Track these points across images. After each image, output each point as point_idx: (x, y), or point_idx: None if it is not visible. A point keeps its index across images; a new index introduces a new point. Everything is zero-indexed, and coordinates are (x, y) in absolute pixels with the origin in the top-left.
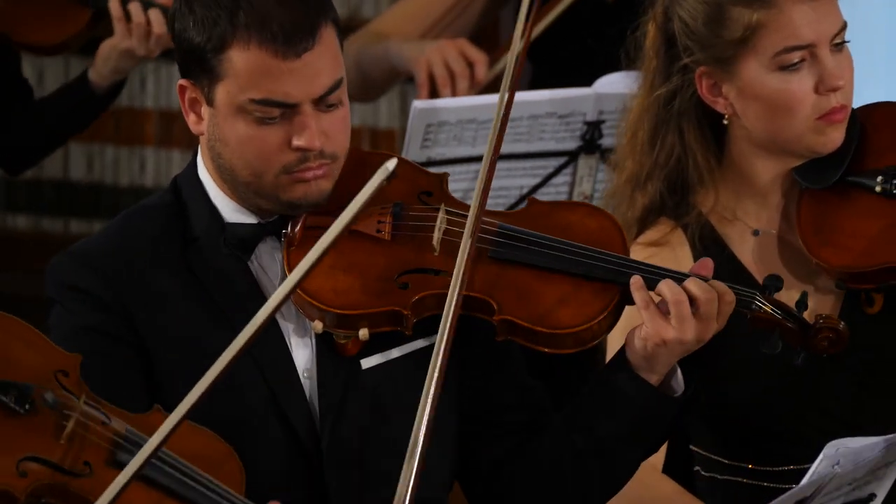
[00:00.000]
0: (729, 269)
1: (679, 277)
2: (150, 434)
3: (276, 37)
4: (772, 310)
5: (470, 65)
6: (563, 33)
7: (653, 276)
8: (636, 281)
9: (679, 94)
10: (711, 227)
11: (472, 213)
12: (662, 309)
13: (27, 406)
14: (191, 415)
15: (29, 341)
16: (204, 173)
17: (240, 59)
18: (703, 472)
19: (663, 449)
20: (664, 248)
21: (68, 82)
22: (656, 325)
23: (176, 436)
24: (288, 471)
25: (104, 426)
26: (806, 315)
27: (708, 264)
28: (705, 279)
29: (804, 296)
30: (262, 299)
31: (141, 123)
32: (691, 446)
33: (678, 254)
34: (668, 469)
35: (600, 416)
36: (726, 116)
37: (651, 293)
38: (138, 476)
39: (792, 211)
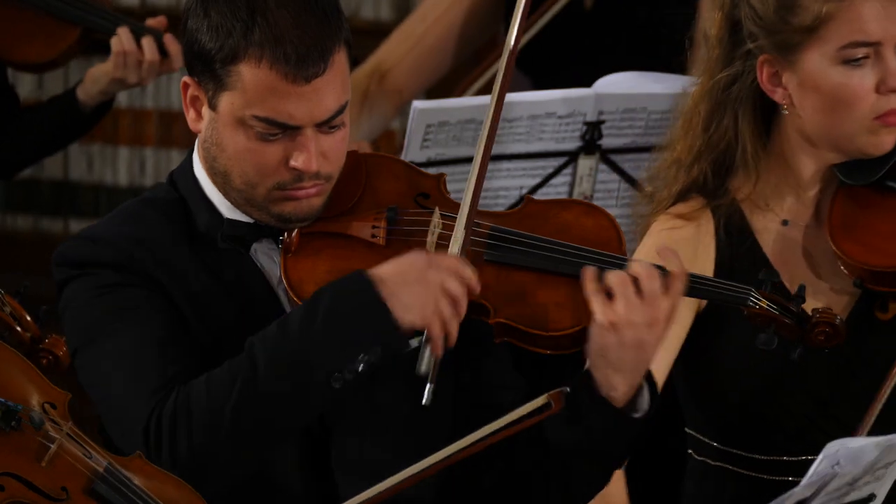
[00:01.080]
0: (750, 257)
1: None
2: (130, 473)
3: (288, 59)
4: (767, 305)
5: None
6: (543, 38)
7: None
8: (586, 272)
9: (739, 80)
10: (741, 214)
11: (460, 219)
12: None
13: (13, 423)
14: None
15: (23, 370)
16: (200, 171)
17: (249, 74)
18: (695, 456)
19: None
20: (689, 223)
21: (57, 96)
22: (602, 309)
23: (156, 482)
24: (294, 468)
25: (85, 458)
26: (804, 307)
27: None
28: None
29: (801, 289)
30: (268, 287)
31: (141, 123)
32: (686, 428)
33: (701, 232)
34: (661, 449)
35: (560, 431)
36: (784, 107)
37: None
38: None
39: (825, 206)
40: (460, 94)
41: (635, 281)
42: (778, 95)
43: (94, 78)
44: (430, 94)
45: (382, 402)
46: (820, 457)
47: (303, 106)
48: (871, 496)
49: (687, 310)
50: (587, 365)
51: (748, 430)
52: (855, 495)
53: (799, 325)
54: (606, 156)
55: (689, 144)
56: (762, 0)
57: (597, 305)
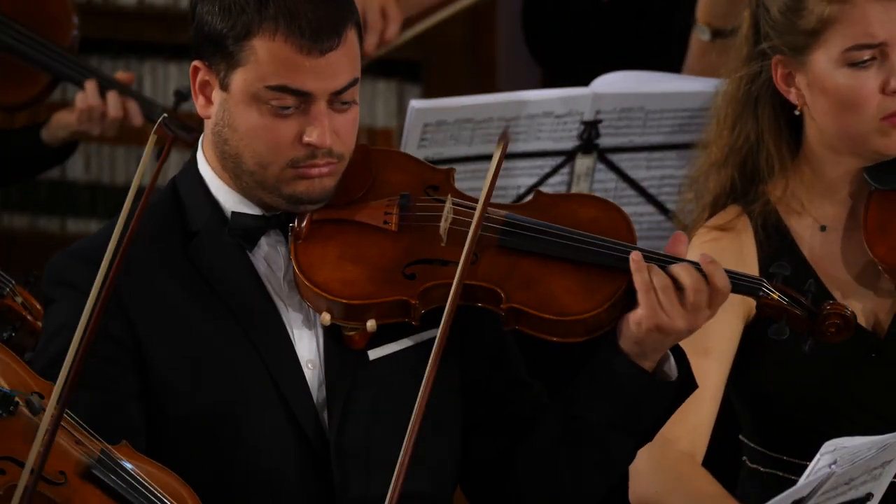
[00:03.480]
0: (789, 259)
1: (666, 260)
2: (121, 457)
3: (303, 32)
4: (779, 297)
5: (385, 19)
6: (560, 33)
7: (660, 261)
8: (638, 260)
9: (756, 79)
10: (777, 216)
11: (479, 206)
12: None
13: (11, 408)
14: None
15: (8, 361)
16: (205, 167)
17: (263, 48)
18: (749, 464)
19: (704, 438)
20: (728, 233)
21: (25, 129)
22: (653, 309)
23: (145, 466)
24: (294, 461)
25: (81, 442)
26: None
27: (680, 238)
28: (697, 266)
29: (810, 284)
30: (264, 291)
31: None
32: (740, 436)
33: (742, 239)
34: (716, 458)
35: (593, 403)
36: (798, 107)
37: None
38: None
39: (860, 210)
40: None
41: (679, 289)
42: (792, 96)
43: (58, 124)
44: (429, 93)
45: (388, 394)
46: (817, 456)
47: (316, 78)
48: (869, 495)
49: (737, 320)
50: (619, 342)
51: (796, 437)
52: (852, 494)
53: (810, 318)
54: (604, 155)
55: (722, 145)
56: (773, 1)
57: (646, 304)
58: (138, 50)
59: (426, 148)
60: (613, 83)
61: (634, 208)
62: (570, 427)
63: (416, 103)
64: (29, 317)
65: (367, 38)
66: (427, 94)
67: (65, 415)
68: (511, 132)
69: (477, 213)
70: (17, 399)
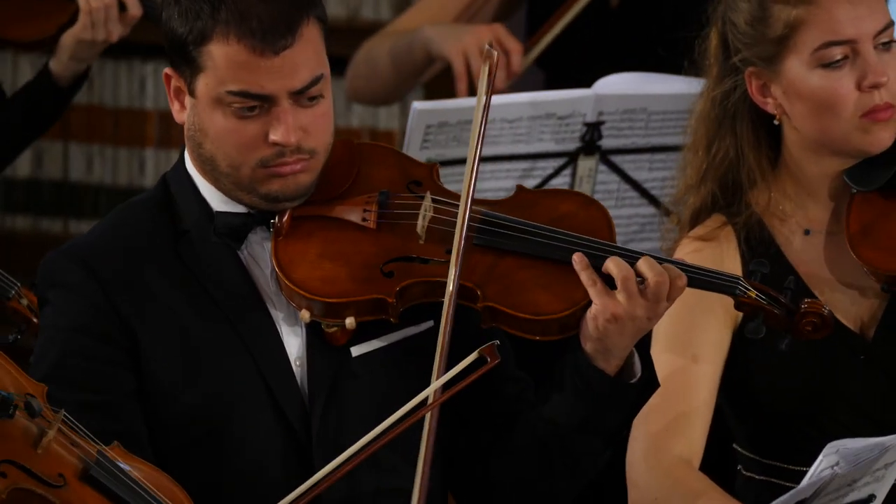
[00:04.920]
0: (775, 266)
1: (660, 259)
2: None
3: (254, 33)
4: (756, 295)
5: (506, 53)
6: (567, 36)
7: (627, 256)
8: (580, 260)
9: (731, 95)
10: (762, 225)
11: (462, 202)
12: (613, 285)
13: (10, 411)
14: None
15: (1, 364)
16: (191, 166)
17: (219, 52)
18: (744, 472)
19: (700, 444)
20: (710, 243)
21: (31, 79)
22: (604, 301)
23: (138, 467)
24: (280, 457)
25: (79, 444)
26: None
27: None
28: (661, 260)
29: (789, 281)
30: (253, 289)
31: (140, 124)
32: (734, 445)
33: (724, 249)
34: (710, 467)
35: (558, 406)
36: (777, 117)
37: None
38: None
39: (843, 213)
40: None
41: (640, 278)
42: (769, 107)
43: (63, 44)
44: (431, 94)
45: (370, 390)
46: (819, 457)
47: (274, 78)
48: (871, 497)
49: (724, 328)
50: (581, 342)
51: (788, 442)
52: (855, 496)
53: (787, 316)
54: (606, 156)
55: (697, 167)
56: (738, 14)
57: (597, 297)
58: (140, 52)
59: (428, 149)
60: (616, 84)
61: (636, 209)
62: (538, 428)
63: (418, 104)
64: (34, 319)
65: (459, 85)
66: (429, 96)
67: (62, 417)
68: (513, 133)
69: (461, 213)
70: (15, 402)
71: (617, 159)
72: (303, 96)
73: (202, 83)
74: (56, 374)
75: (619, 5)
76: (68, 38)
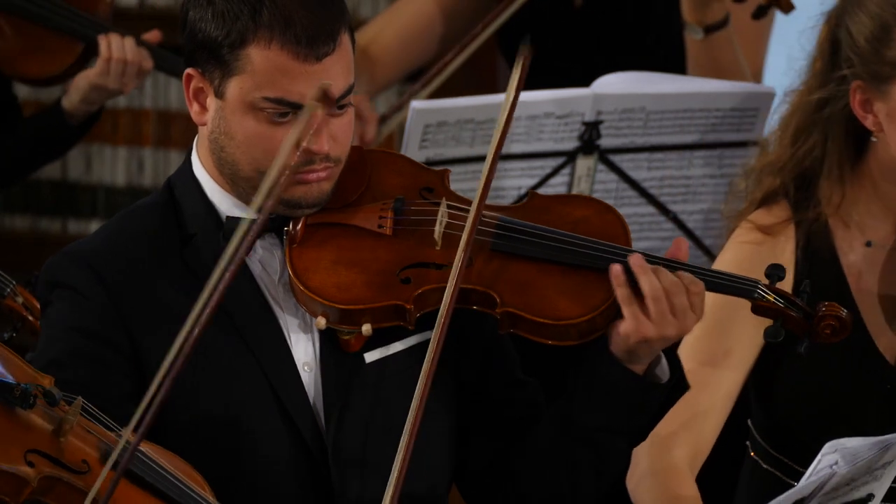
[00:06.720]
0: (827, 274)
1: (674, 266)
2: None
3: (299, 39)
4: (774, 299)
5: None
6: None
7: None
8: (618, 275)
9: (831, 103)
10: (826, 229)
11: (473, 208)
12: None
13: (31, 401)
14: (189, 407)
15: (8, 357)
16: (200, 170)
17: (259, 57)
18: (751, 453)
19: (708, 445)
20: (770, 238)
21: (43, 110)
22: (638, 322)
23: (159, 451)
24: (291, 464)
25: (95, 432)
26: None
27: (681, 245)
28: (675, 266)
29: (805, 285)
30: (260, 294)
31: (139, 124)
32: (749, 421)
33: (778, 250)
34: (723, 437)
35: (586, 407)
36: (874, 134)
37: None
38: (128, 474)
39: None
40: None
41: (668, 295)
42: (869, 122)
43: (76, 84)
44: (430, 94)
45: (384, 397)
46: (818, 457)
47: (314, 85)
48: (870, 496)
49: (757, 330)
50: (609, 346)
51: (799, 445)
52: (853, 495)
53: (806, 319)
54: (605, 156)
55: (780, 153)
56: (859, 29)
57: (630, 316)
58: None
59: (427, 149)
60: (614, 84)
61: (635, 209)
62: (565, 430)
63: (416, 104)
64: (30, 317)
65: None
66: (429, 95)
67: (83, 403)
68: (512, 133)
69: (471, 217)
70: (34, 392)
71: (615, 158)
72: (335, 105)
73: (235, 86)
74: (54, 373)
75: (583, 5)
76: (82, 80)
